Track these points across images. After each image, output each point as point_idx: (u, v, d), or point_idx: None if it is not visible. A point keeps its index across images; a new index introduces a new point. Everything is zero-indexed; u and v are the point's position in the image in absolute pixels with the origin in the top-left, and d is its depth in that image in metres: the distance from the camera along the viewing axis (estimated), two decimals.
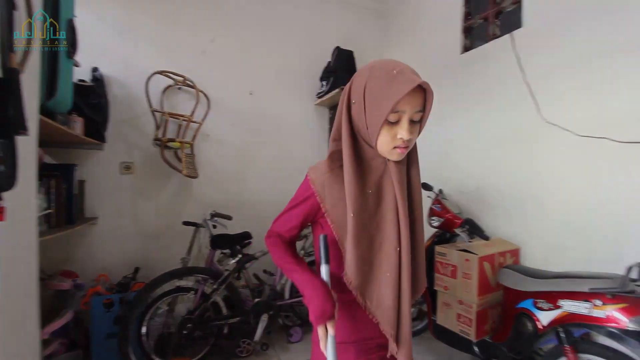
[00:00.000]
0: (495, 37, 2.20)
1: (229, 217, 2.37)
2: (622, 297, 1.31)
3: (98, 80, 2.20)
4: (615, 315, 1.29)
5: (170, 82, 2.48)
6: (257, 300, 2.21)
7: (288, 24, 2.93)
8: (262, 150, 2.84)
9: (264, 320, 2.17)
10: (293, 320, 2.46)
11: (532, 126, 1.94)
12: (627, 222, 1.55)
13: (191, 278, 2.10)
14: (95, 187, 2.27)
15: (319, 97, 2.92)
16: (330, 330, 0.72)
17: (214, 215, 2.36)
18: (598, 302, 1.35)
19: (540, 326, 1.53)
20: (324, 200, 0.80)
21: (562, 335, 1.47)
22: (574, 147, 1.75)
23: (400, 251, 0.78)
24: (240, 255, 2.21)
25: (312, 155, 3.03)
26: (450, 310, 1.95)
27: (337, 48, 2.84)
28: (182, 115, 2.46)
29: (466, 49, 2.42)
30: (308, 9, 3.02)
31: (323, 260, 0.78)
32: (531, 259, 1.95)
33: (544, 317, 1.52)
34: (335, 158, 0.81)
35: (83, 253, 2.25)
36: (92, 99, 2.09)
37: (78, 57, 1.71)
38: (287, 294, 2.40)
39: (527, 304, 1.60)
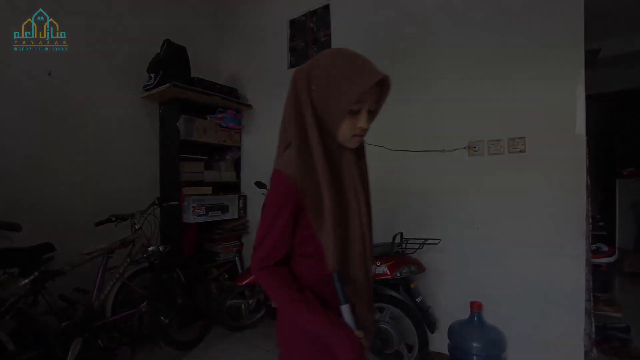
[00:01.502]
0: None
1: (15, 227, 1.84)
2: (391, 257, 1.88)
3: None
4: (387, 270, 1.85)
5: None
6: (64, 324, 1.83)
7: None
8: (71, 144, 2.33)
9: (75, 346, 1.82)
10: (118, 340, 2.15)
11: None
12: (396, 206, 2.23)
13: None
14: None
15: (147, 90, 2.67)
16: None
17: None
18: (379, 263, 1.88)
19: None
20: (307, 193, 0.74)
21: None
22: (367, 152, 2.35)
23: (363, 232, 0.82)
24: (35, 273, 1.77)
25: (138, 152, 2.73)
26: None
27: (167, 40, 2.68)
28: None
29: (292, 65, 2.80)
30: None
31: (342, 300, 0.76)
32: None
33: None
34: (303, 147, 0.76)
35: None
36: None
37: None
38: (108, 311, 2.09)
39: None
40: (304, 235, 0.79)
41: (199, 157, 2.81)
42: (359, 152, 0.87)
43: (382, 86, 0.75)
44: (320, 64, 0.75)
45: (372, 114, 0.78)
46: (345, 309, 0.76)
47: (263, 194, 2.49)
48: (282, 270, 0.79)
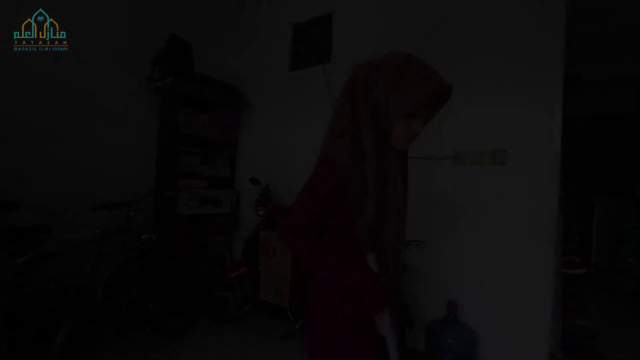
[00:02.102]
0: (314, 64, 2.77)
1: (13, 206, 1.88)
2: None
3: None
4: None
5: None
6: (56, 304, 1.87)
7: None
8: (72, 131, 2.38)
9: (66, 326, 1.86)
10: (106, 324, 2.19)
11: None
12: None
13: None
14: None
15: (150, 82, 2.73)
16: (386, 316, 0.75)
17: None
18: None
19: None
20: (350, 184, 0.76)
21: None
22: None
23: (398, 233, 0.83)
24: (31, 253, 1.81)
25: (136, 142, 2.78)
26: (270, 285, 2.29)
27: (173, 35, 2.75)
28: None
29: (293, 68, 2.91)
30: None
31: (368, 249, 0.77)
32: None
33: None
34: (356, 139, 0.77)
35: None
36: None
37: None
38: (99, 296, 2.12)
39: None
40: (337, 223, 0.82)
41: (196, 150, 2.88)
42: (404, 155, 0.89)
43: (441, 96, 0.78)
44: (388, 64, 0.77)
45: (425, 120, 0.81)
46: (370, 258, 0.77)
47: (257, 191, 2.57)
48: (308, 235, 0.81)
